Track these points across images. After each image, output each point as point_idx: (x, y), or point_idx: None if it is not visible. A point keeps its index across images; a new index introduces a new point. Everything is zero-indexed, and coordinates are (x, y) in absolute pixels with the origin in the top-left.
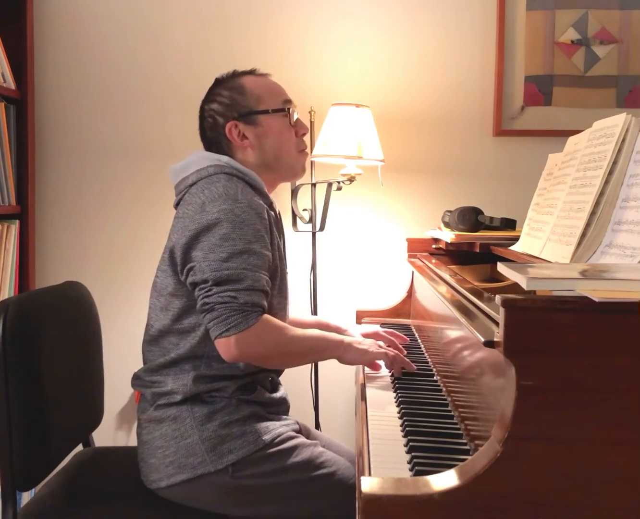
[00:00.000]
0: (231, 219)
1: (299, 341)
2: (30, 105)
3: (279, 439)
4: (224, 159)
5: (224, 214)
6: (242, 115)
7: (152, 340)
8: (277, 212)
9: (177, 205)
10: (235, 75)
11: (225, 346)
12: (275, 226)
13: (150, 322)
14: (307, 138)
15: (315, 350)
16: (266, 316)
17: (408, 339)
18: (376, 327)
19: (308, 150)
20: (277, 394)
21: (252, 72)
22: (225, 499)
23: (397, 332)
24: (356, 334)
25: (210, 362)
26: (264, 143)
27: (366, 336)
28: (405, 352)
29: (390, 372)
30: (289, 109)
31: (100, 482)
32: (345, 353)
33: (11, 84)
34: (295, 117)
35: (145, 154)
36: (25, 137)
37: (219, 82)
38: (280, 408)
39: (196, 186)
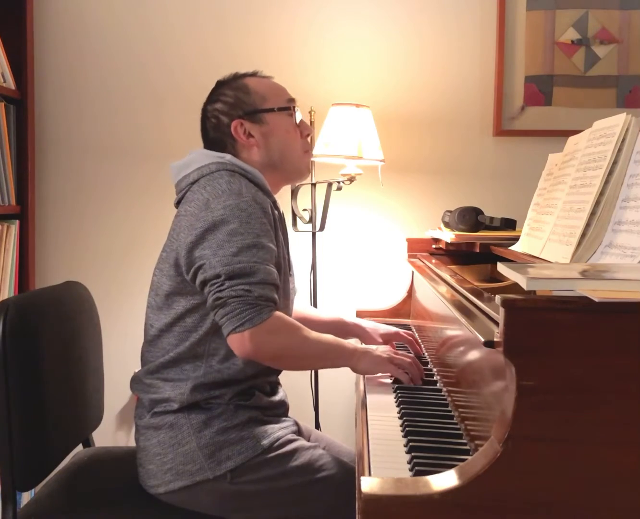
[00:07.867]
0: (237, 214)
1: (313, 343)
2: (30, 105)
3: (277, 443)
4: (227, 156)
5: (229, 210)
6: (247, 113)
7: (152, 340)
8: (281, 212)
9: (177, 203)
10: (237, 76)
11: (239, 342)
12: (279, 224)
13: (150, 322)
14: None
15: (328, 356)
16: (279, 313)
17: (422, 351)
18: (396, 328)
19: (312, 151)
20: (277, 397)
21: (254, 74)
22: (224, 505)
23: (416, 337)
24: (374, 332)
25: (210, 362)
26: (270, 141)
27: (386, 336)
28: (423, 353)
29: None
30: (294, 107)
31: (100, 482)
32: (358, 362)
33: (11, 84)
34: (299, 117)
35: (145, 154)
36: (25, 137)
37: (221, 84)
38: (279, 411)
39: (198, 184)
